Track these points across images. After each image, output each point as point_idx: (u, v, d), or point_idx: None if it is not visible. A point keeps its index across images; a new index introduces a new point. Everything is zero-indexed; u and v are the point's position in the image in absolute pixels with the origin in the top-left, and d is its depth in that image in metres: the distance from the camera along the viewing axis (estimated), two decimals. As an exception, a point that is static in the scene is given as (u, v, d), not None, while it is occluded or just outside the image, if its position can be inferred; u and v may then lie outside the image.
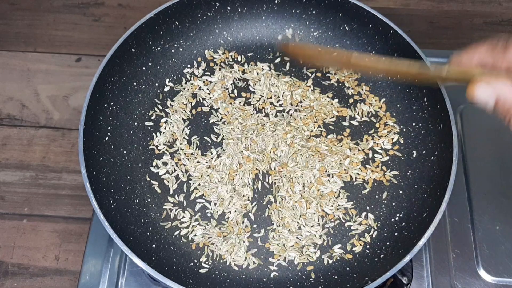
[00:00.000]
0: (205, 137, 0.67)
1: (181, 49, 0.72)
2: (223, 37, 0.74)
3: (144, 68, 0.69)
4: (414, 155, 0.65)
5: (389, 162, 0.66)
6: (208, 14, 0.71)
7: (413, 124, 0.67)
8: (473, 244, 0.64)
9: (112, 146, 0.64)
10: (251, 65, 0.73)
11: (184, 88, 0.71)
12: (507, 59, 0.36)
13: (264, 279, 0.59)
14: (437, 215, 0.54)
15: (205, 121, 0.69)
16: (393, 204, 0.63)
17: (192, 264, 0.60)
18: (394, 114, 0.69)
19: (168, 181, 0.65)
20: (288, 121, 0.68)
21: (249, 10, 0.72)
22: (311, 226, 0.62)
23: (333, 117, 0.69)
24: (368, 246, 0.61)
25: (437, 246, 0.63)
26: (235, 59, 0.73)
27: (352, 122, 0.69)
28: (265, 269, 0.60)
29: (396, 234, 0.60)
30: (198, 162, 0.65)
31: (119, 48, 0.64)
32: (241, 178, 0.64)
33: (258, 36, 0.74)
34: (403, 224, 0.61)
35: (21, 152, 0.77)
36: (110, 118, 0.65)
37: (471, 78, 0.39)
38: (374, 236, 0.61)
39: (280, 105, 0.69)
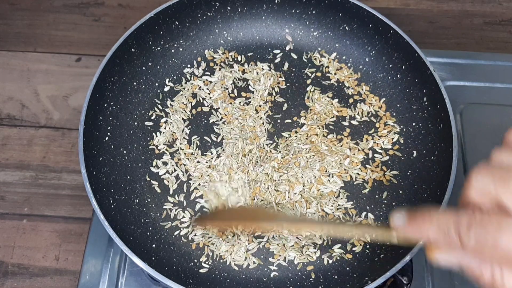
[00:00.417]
0: (205, 137, 0.67)
1: (181, 49, 0.72)
2: (223, 37, 0.74)
3: (144, 68, 0.69)
4: (414, 155, 0.65)
5: (389, 162, 0.66)
6: (208, 14, 0.71)
7: (413, 124, 0.67)
8: (473, 244, 0.63)
9: (112, 146, 0.64)
10: (251, 65, 0.73)
11: (184, 88, 0.71)
12: (464, 250, 0.32)
13: (264, 279, 0.59)
14: (437, 215, 0.54)
15: (205, 121, 0.69)
16: (393, 204, 0.63)
17: (192, 264, 0.60)
18: (394, 114, 0.69)
19: (168, 181, 0.65)
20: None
21: (249, 10, 0.72)
22: (311, 226, 0.62)
23: (333, 117, 0.69)
24: (368, 246, 0.61)
25: (437, 246, 0.63)
26: (235, 59, 0.73)
27: (352, 122, 0.69)
28: (265, 269, 0.60)
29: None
30: (198, 162, 0.65)
31: (119, 48, 0.64)
32: (241, 178, 0.64)
33: (258, 36, 0.74)
34: (403, 224, 0.60)
35: (21, 152, 0.77)
36: (110, 118, 0.65)
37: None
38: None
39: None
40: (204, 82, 0.71)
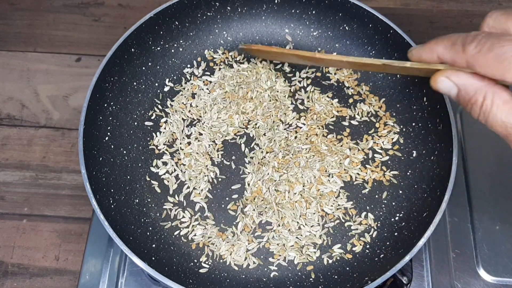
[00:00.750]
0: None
1: (181, 49, 0.72)
2: (223, 37, 0.74)
3: (144, 68, 0.69)
4: (414, 155, 0.65)
5: (389, 162, 0.66)
6: (208, 14, 0.71)
7: (413, 124, 0.67)
8: (473, 244, 0.64)
9: (112, 146, 0.64)
10: (251, 65, 0.73)
11: (184, 88, 0.71)
12: (465, 57, 0.37)
13: (264, 279, 0.59)
14: (437, 215, 0.54)
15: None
16: (393, 204, 0.63)
17: (192, 264, 0.60)
18: (394, 114, 0.69)
19: (168, 181, 0.65)
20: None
21: (249, 10, 0.72)
22: (311, 226, 0.62)
23: (333, 117, 0.69)
24: (368, 246, 0.61)
25: (437, 246, 0.64)
26: (235, 59, 0.73)
27: (352, 122, 0.69)
28: (265, 269, 0.60)
29: (396, 234, 0.60)
30: (197, 159, 0.65)
31: (119, 48, 0.64)
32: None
33: (258, 36, 0.74)
34: (403, 224, 0.61)
35: (21, 152, 0.77)
36: (110, 118, 0.65)
37: (433, 71, 0.41)
38: (374, 236, 0.61)
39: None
40: (204, 82, 0.71)
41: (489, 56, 0.35)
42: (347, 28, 0.71)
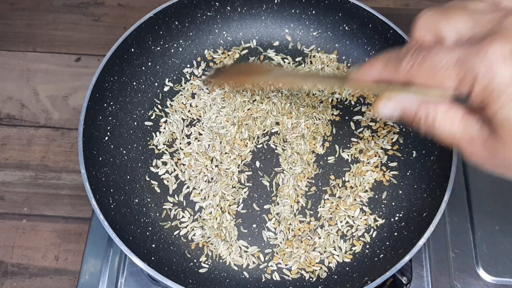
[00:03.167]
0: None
1: (180, 49, 0.72)
2: (222, 37, 0.74)
3: (143, 68, 0.69)
4: (414, 155, 0.65)
5: (389, 162, 0.66)
6: (208, 14, 0.71)
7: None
8: (472, 244, 0.64)
9: (112, 146, 0.64)
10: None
11: (183, 88, 0.71)
12: (401, 74, 0.36)
13: (264, 279, 0.59)
14: (437, 215, 0.54)
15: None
16: (393, 204, 0.63)
17: (191, 264, 0.60)
18: (393, 114, 0.68)
19: (167, 181, 0.65)
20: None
21: (248, 10, 0.72)
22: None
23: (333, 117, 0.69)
24: (367, 246, 0.61)
25: (437, 246, 0.63)
26: (235, 59, 0.73)
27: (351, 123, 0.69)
28: (265, 269, 0.60)
29: (395, 234, 0.60)
30: (197, 160, 0.65)
31: (119, 48, 0.64)
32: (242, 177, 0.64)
33: (257, 36, 0.74)
34: (403, 224, 0.61)
35: (20, 152, 0.77)
36: (110, 118, 0.65)
37: (372, 92, 0.41)
38: (373, 236, 0.61)
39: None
40: (204, 82, 0.71)
41: (423, 69, 0.34)
42: (347, 28, 0.71)
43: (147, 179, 0.65)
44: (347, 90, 0.70)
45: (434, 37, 0.36)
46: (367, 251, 0.60)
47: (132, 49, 0.67)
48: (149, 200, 0.63)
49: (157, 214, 0.63)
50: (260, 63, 0.70)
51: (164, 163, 0.66)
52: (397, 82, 0.37)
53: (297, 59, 0.73)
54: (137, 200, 0.63)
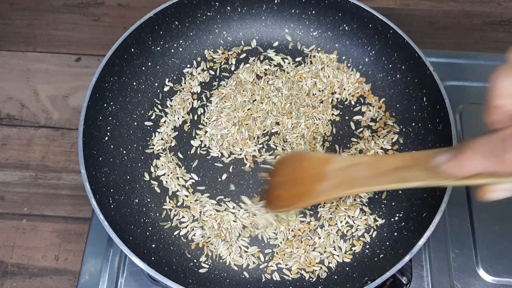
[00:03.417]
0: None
1: (180, 49, 0.72)
2: (222, 37, 0.74)
3: (143, 68, 0.69)
4: (414, 155, 0.65)
5: (389, 162, 0.66)
6: (208, 14, 0.71)
7: (413, 124, 0.67)
8: (472, 244, 0.64)
9: (112, 146, 0.64)
10: (251, 64, 0.73)
11: (183, 88, 0.71)
12: (507, 166, 0.32)
13: (264, 279, 0.59)
14: (437, 215, 0.54)
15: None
16: (393, 204, 0.63)
17: (191, 264, 0.60)
18: (394, 114, 0.69)
19: (167, 181, 0.65)
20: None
21: (248, 10, 0.72)
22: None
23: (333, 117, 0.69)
24: (367, 246, 0.61)
25: (437, 246, 0.63)
26: (235, 59, 0.73)
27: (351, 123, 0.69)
28: (265, 269, 0.60)
29: (395, 234, 0.60)
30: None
31: (119, 48, 0.64)
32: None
33: (257, 36, 0.74)
34: (403, 224, 0.61)
35: (20, 152, 0.77)
36: (110, 118, 0.65)
37: (471, 184, 0.38)
38: (373, 236, 0.61)
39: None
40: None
41: None
42: (347, 28, 0.71)
43: (147, 179, 0.65)
44: (347, 90, 0.70)
45: None
46: (367, 251, 0.60)
47: (132, 49, 0.67)
48: (149, 200, 0.63)
49: (157, 214, 0.63)
50: (310, 152, 0.61)
51: (164, 163, 0.66)
52: (502, 173, 0.34)
53: (297, 59, 0.73)
54: (137, 200, 0.63)
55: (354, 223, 0.62)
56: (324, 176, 0.52)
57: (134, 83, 0.68)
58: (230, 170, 0.65)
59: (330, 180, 0.51)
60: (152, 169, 0.65)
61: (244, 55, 0.73)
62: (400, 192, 0.63)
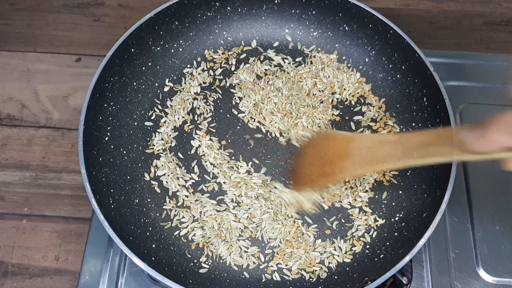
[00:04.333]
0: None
1: (181, 49, 0.72)
2: (223, 37, 0.74)
3: (144, 68, 0.69)
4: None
5: (389, 162, 0.66)
6: (208, 14, 0.71)
7: (413, 124, 0.67)
8: (472, 244, 0.64)
9: (112, 146, 0.64)
10: (251, 65, 0.73)
11: (183, 88, 0.71)
12: None
13: (264, 279, 0.59)
14: (437, 215, 0.54)
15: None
16: (393, 204, 0.63)
17: (192, 264, 0.60)
18: (394, 114, 0.69)
19: (167, 181, 0.65)
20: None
21: (249, 10, 0.72)
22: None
23: (333, 117, 0.69)
24: (368, 246, 0.61)
25: (437, 246, 0.63)
26: (235, 58, 0.73)
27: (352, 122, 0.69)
28: (265, 269, 0.60)
29: (396, 234, 0.60)
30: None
31: (119, 48, 0.64)
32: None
33: (258, 36, 0.74)
34: (403, 224, 0.61)
35: (21, 152, 0.77)
36: (110, 118, 0.65)
37: (496, 158, 0.39)
38: (374, 236, 0.61)
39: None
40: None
41: None
42: (347, 28, 0.71)
43: (147, 179, 0.65)
44: (347, 90, 0.70)
45: None
46: (367, 251, 0.60)
47: (132, 49, 0.67)
48: (149, 200, 0.63)
49: (157, 214, 0.63)
50: (336, 132, 0.61)
51: (164, 164, 0.66)
52: None
53: (297, 59, 0.73)
54: (137, 200, 0.63)
55: (354, 223, 0.62)
56: (350, 154, 0.53)
57: (134, 83, 0.68)
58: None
59: (356, 158, 0.52)
60: (152, 169, 0.65)
61: (244, 55, 0.73)
62: (400, 192, 0.63)
